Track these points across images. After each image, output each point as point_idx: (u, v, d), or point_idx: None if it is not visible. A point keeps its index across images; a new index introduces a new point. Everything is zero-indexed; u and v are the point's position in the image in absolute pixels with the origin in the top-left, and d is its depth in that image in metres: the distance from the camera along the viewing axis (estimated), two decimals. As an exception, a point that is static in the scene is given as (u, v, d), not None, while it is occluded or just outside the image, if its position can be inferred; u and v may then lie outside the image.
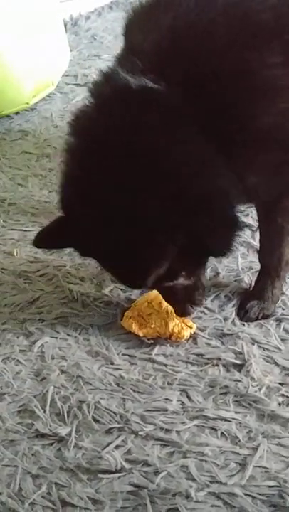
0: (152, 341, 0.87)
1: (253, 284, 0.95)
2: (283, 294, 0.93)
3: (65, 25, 1.87)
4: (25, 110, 1.49)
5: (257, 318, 0.90)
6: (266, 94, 0.71)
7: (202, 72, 0.70)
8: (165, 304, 0.87)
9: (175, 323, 0.86)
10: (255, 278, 0.97)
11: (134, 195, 0.70)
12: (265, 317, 0.90)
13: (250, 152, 0.74)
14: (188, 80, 0.70)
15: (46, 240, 0.80)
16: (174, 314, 0.86)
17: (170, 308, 0.87)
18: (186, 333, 0.86)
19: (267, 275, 0.92)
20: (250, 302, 0.91)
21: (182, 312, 0.85)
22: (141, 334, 0.87)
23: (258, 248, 1.04)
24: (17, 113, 1.48)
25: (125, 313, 0.90)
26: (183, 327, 0.86)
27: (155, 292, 0.88)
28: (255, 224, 1.08)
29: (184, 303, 0.85)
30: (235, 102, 0.71)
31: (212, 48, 0.71)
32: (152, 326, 0.87)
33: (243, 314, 0.91)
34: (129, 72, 0.72)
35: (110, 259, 0.78)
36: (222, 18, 0.72)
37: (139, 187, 0.70)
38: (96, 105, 0.75)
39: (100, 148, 0.72)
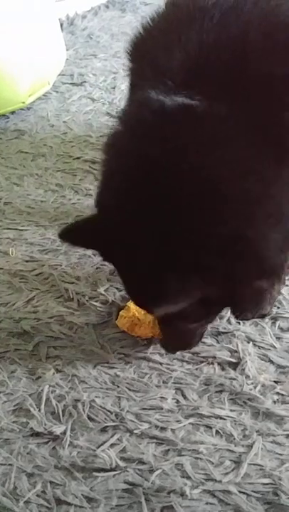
0: (146, 341, 0.87)
1: None
2: (281, 294, 0.93)
3: (62, 25, 1.87)
4: (21, 109, 1.49)
5: (253, 318, 0.90)
6: None
7: (246, 82, 0.66)
8: None
9: None
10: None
11: (178, 215, 0.64)
12: (262, 317, 0.90)
13: None
14: (231, 93, 0.66)
15: (74, 234, 0.76)
16: None
17: None
18: None
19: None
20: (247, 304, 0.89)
21: (166, 347, 0.83)
22: (135, 334, 0.87)
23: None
24: (13, 112, 1.48)
25: (120, 313, 0.90)
26: None
27: None
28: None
29: (174, 341, 0.81)
30: None
31: (253, 56, 0.67)
32: (146, 325, 0.87)
33: (239, 313, 0.90)
34: (162, 92, 0.68)
35: (130, 271, 0.72)
36: (255, 25, 0.68)
37: (184, 209, 0.64)
38: (132, 130, 0.70)
39: (145, 174, 0.67)
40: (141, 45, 0.78)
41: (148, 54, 0.75)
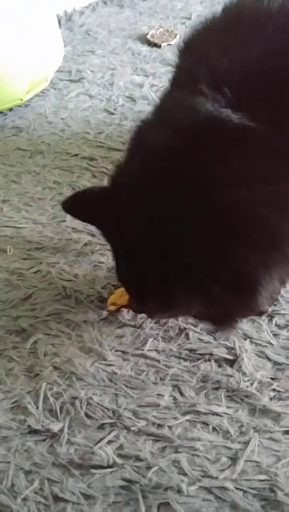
0: (144, 336, 0.87)
1: None
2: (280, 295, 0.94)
3: (59, 21, 1.86)
4: (19, 106, 1.49)
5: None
6: None
7: None
8: None
9: None
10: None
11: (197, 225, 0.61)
12: (259, 315, 0.91)
13: None
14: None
15: (78, 206, 0.73)
16: None
17: None
18: None
19: None
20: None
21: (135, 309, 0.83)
22: (113, 308, 0.90)
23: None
24: (10, 109, 1.48)
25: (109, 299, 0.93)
26: None
27: None
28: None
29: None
30: None
31: None
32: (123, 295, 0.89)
33: None
34: (217, 104, 0.63)
35: (130, 260, 0.69)
36: None
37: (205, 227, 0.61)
38: (175, 132, 0.64)
39: (175, 184, 0.63)
40: (194, 44, 0.73)
41: (201, 53, 0.69)
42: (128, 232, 0.67)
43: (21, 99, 1.47)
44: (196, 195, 0.62)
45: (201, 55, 0.69)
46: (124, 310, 0.91)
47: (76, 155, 1.28)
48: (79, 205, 0.73)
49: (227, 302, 0.64)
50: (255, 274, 0.62)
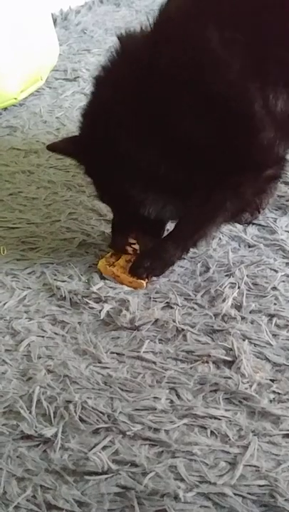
0: (140, 337, 0.85)
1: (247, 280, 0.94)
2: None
3: (55, 20, 1.85)
4: (14, 105, 1.47)
5: (146, 277, 0.94)
6: None
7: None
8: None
9: None
10: (246, 272, 0.95)
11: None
12: (153, 275, 0.95)
13: None
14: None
15: (60, 146, 0.98)
16: None
17: None
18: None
19: (176, 239, 0.95)
20: (146, 260, 0.95)
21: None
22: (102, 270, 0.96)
23: (249, 242, 1.03)
24: (5, 108, 1.46)
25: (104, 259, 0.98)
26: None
27: None
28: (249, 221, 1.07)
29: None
30: None
31: None
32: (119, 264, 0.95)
33: (132, 270, 0.95)
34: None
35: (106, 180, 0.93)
36: None
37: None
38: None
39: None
40: None
41: None
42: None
43: (16, 99, 1.45)
44: None
45: None
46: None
47: (71, 154, 1.26)
48: (60, 146, 0.98)
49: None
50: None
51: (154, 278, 0.96)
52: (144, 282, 0.94)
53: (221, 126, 0.84)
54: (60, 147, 0.99)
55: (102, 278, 0.97)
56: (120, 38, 0.90)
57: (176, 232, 0.96)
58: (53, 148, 0.99)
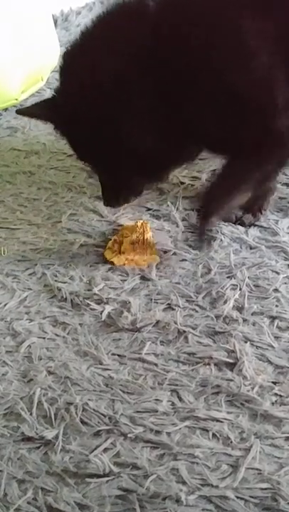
0: (142, 339, 0.85)
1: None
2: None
3: (56, 21, 1.84)
4: (14, 106, 1.47)
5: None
6: None
7: None
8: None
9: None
10: (248, 274, 0.95)
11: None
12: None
13: None
14: None
15: (31, 109, 0.96)
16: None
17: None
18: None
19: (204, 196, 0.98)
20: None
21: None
22: (115, 261, 0.98)
23: (251, 244, 1.02)
24: (6, 109, 1.46)
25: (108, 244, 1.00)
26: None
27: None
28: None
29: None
30: None
31: None
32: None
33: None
34: None
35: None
36: None
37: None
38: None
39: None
40: None
41: None
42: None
43: (16, 99, 1.45)
44: None
45: None
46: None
47: (72, 155, 1.25)
48: (32, 109, 0.97)
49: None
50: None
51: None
52: (157, 257, 0.98)
53: (238, 112, 0.83)
54: (35, 112, 0.96)
55: (103, 279, 0.96)
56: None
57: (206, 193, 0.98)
58: (23, 112, 0.98)
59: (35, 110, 0.95)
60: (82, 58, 0.89)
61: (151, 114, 0.85)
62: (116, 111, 0.85)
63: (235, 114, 0.83)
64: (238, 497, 0.66)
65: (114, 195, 0.98)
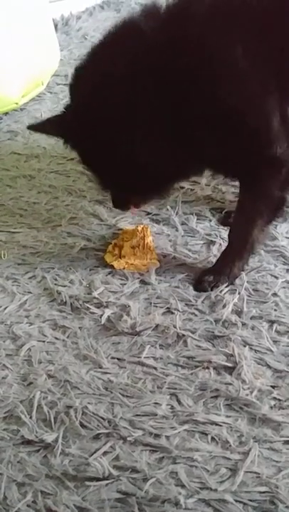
0: (141, 343, 0.85)
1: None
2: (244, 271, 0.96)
3: (56, 25, 1.85)
4: (15, 110, 1.48)
5: (211, 289, 0.93)
6: None
7: None
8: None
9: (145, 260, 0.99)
10: (247, 278, 0.95)
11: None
12: (216, 286, 0.94)
13: None
14: None
15: (42, 126, 0.96)
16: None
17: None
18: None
19: (230, 252, 0.96)
20: (208, 275, 0.95)
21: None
22: (115, 265, 0.98)
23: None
24: (6, 113, 1.47)
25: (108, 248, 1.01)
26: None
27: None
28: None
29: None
30: None
31: None
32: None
33: (196, 285, 0.95)
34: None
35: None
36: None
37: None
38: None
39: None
40: None
41: None
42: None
43: (17, 103, 1.46)
44: None
45: None
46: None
47: (72, 159, 1.26)
48: (43, 126, 0.97)
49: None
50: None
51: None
52: (158, 261, 0.99)
53: (234, 137, 0.85)
54: (45, 128, 0.97)
55: (103, 283, 0.97)
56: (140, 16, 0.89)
57: (228, 247, 0.97)
58: (34, 128, 0.98)
59: (46, 126, 0.96)
60: (90, 76, 0.91)
61: (159, 133, 0.88)
62: (124, 128, 0.87)
63: (232, 138, 0.85)
64: (236, 500, 0.66)
65: (123, 201, 1.01)
